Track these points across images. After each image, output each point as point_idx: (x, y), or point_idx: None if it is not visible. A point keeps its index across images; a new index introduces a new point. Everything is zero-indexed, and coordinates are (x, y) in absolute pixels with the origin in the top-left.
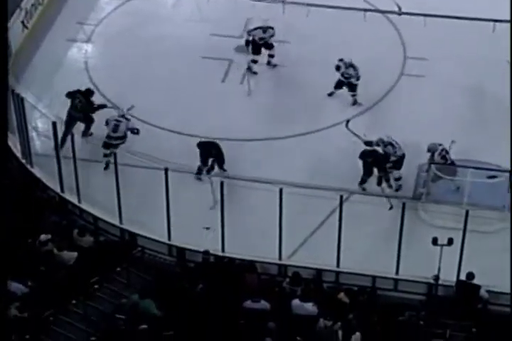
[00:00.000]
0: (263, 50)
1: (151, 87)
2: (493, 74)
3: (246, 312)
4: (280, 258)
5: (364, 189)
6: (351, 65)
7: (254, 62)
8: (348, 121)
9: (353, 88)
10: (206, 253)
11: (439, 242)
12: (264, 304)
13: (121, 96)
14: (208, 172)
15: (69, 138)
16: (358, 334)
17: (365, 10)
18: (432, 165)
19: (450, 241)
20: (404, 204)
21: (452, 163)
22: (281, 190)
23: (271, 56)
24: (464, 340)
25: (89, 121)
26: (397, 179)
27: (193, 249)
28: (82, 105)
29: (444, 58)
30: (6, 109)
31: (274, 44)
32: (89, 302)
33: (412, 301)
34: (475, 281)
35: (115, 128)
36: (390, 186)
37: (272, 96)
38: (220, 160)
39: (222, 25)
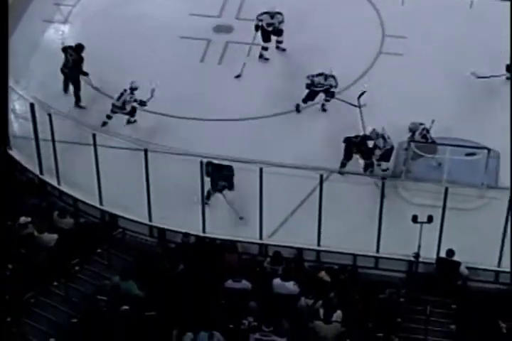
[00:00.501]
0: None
1: (129, 67)
2: (471, 52)
3: (227, 292)
4: (261, 237)
5: (342, 173)
6: (332, 76)
7: (265, 49)
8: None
9: (332, 94)
10: (186, 235)
11: (419, 220)
12: (245, 284)
13: (99, 76)
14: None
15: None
16: (339, 312)
17: None
18: (412, 143)
19: (430, 219)
20: (384, 183)
21: (432, 142)
22: (261, 170)
23: (279, 42)
24: (445, 317)
25: (77, 84)
26: (384, 170)
27: (173, 230)
28: (74, 59)
29: (422, 36)
30: (7, 107)
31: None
32: (70, 283)
33: (392, 279)
34: (455, 258)
35: (118, 97)
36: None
37: (261, 78)
38: (231, 183)
39: (200, 5)
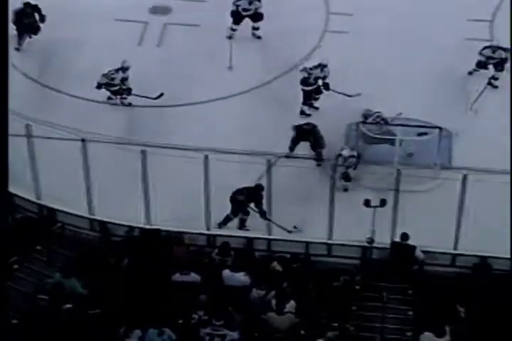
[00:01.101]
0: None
1: (64, 50)
2: (419, 25)
3: (176, 285)
4: (208, 228)
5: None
6: (325, 65)
7: (233, 30)
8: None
9: (327, 87)
10: (130, 230)
11: (372, 204)
12: (194, 276)
13: (35, 60)
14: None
15: None
16: (292, 302)
17: None
18: (361, 125)
19: (383, 203)
20: (335, 167)
21: (382, 122)
22: (206, 157)
23: (255, 28)
24: (402, 303)
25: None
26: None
27: (116, 223)
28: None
29: (369, 12)
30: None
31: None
32: (9, 283)
33: (346, 266)
34: (410, 242)
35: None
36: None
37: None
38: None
39: None
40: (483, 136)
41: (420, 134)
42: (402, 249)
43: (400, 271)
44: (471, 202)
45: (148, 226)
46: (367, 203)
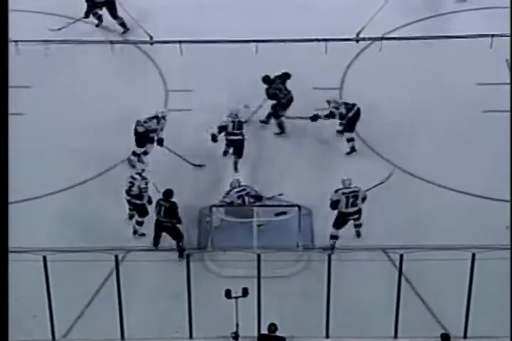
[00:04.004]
0: None
1: None
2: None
3: None
4: (53, 338)
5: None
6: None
7: None
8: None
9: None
10: None
11: (233, 294)
12: None
13: None
14: None
15: None
16: None
17: (112, 42)
18: (215, 209)
19: (245, 292)
20: (188, 257)
21: (235, 204)
22: (44, 258)
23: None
24: None
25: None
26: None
27: None
28: None
29: (208, 85)
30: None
31: None
32: None
33: None
34: (278, 333)
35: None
36: None
37: None
38: None
39: None
40: None
41: (278, 214)
42: None
43: None
44: (340, 282)
45: None
46: (228, 294)
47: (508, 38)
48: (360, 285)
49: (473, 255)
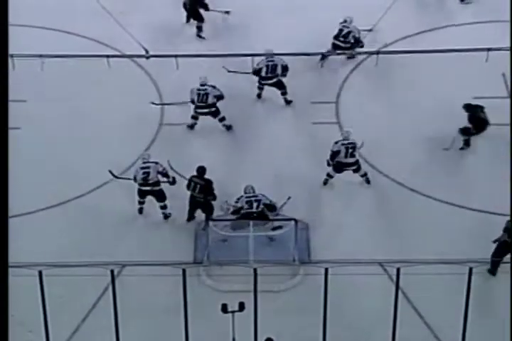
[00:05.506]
0: None
1: None
2: None
3: None
4: None
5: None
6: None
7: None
8: None
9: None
10: None
11: (230, 309)
12: None
13: None
14: None
15: None
16: None
17: (108, 56)
18: (211, 223)
19: (241, 306)
20: (184, 271)
21: (233, 218)
22: (40, 273)
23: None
24: None
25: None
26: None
27: None
28: None
29: None
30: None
31: None
32: None
33: None
34: None
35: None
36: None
37: None
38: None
39: None
40: (338, 224)
41: (275, 228)
42: None
43: None
44: (337, 297)
45: None
46: (224, 308)
47: (505, 52)
48: (358, 300)
49: (471, 269)
